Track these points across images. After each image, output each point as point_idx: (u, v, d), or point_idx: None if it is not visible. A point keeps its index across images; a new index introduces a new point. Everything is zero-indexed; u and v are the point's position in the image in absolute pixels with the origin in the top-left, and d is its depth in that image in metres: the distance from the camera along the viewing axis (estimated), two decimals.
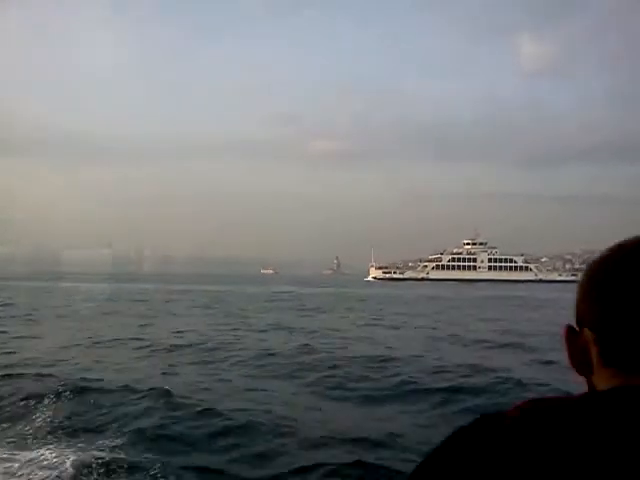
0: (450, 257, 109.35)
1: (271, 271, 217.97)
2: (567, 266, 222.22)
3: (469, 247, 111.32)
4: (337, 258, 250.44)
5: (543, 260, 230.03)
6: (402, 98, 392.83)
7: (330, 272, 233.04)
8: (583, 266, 0.88)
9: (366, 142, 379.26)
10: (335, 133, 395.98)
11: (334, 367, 12.46)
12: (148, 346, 15.11)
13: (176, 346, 15.20)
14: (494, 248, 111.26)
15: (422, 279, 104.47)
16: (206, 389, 10.16)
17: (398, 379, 11.27)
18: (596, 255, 0.84)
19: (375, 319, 26.10)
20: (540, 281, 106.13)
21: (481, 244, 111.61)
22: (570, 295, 0.82)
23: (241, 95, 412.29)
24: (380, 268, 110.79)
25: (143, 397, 9.01)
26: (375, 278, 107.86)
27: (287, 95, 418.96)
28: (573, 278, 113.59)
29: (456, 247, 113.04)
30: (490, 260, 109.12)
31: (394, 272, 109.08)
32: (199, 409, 8.45)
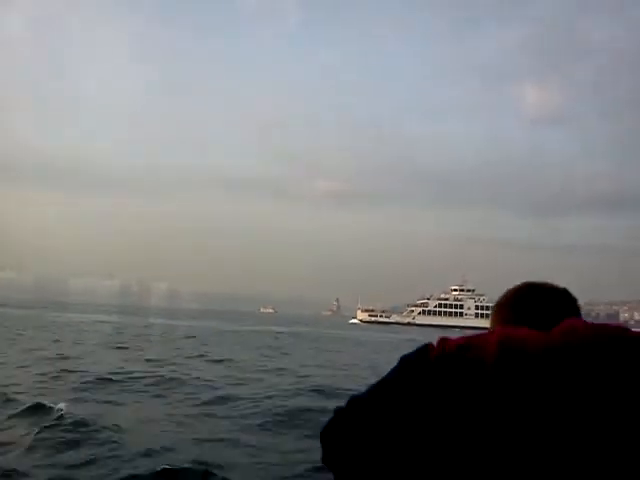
0: (437, 302, 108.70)
1: (271, 310, 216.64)
2: None
3: (456, 293, 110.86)
4: (337, 300, 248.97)
5: None
6: (404, 141, 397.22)
7: (330, 313, 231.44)
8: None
9: (367, 184, 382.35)
10: (337, 174, 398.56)
11: None
12: None
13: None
14: (482, 295, 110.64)
15: (408, 324, 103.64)
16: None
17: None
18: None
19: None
20: None
21: (468, 291, 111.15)
22: None
23: (241, 130, 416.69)
24: (366, 311, 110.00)
25: None
26: (361, 321, 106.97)
27: (288, 133, 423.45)
28: None
29: (444, 292, 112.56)
30: (477, 307, 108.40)
31: (380, 315, 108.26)
32: None
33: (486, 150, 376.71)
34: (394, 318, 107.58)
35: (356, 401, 1.05)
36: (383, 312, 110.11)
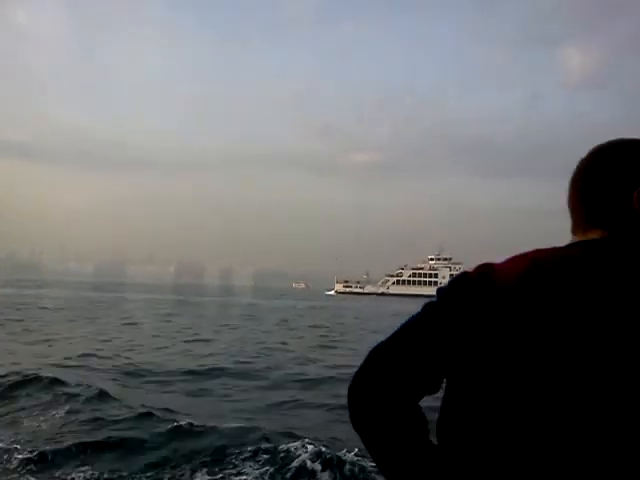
0: (411, 272, 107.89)
1: (303, 285, 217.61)
2: None
3: (433, 262, 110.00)
4: (367, 273, 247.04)
5: None
6: (441, 110, 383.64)
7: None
8: None
9: (403, 154, 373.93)
10: (373, 145, 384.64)
11: None
12: None
13: None
14: (458, 264, 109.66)
15: (382, 294, 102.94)
16: None
17: None
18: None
19: None
20: None
21: (445, 259, 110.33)
22: None
23: (280, 106, 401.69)
24: (341, 282, 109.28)
25: None
26: (336, 292, 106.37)
27: (327, 107, 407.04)
28: None
29: (421, 262, 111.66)
30: (452, 276, 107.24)
31: (354, 286, 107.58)
32: None
33: (524, 118, 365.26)
34: (368, 289, 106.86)
35: (381, 348, 1.00)
36: (357, 283, 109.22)
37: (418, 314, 1.01)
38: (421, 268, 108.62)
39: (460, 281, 1.01)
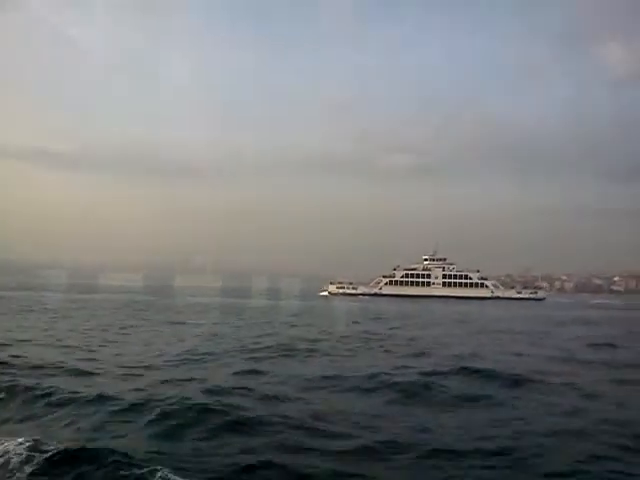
0: (404, 273, 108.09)
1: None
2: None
3: (427, 263, 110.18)
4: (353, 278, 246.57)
5: (615, 279, 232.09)
6: (481, 111, 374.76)
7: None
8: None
9: (442, 156, 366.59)
10: (411, 147, 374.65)
11: None
12: None
13: None
14: (451, 264, 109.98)
15: (374, 294, 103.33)
16: None
17: None
18: None
19: None
20: (497, 298, 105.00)
21: (439, 260, 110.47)
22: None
23: (317, 110, 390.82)
24: (335, 283, 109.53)
25: None
26: (330, 293, 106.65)
27: (366, 110, 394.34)
28: (530, 295, 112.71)
29: (415, 262, 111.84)
30: (445, 276, 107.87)
31: (347, 287, 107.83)
32: None
33: (568, 117, 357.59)
34: (361, 289, 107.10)
35: None
36: (350, 284, 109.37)
37: None
38: (414, 269, 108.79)
39: None
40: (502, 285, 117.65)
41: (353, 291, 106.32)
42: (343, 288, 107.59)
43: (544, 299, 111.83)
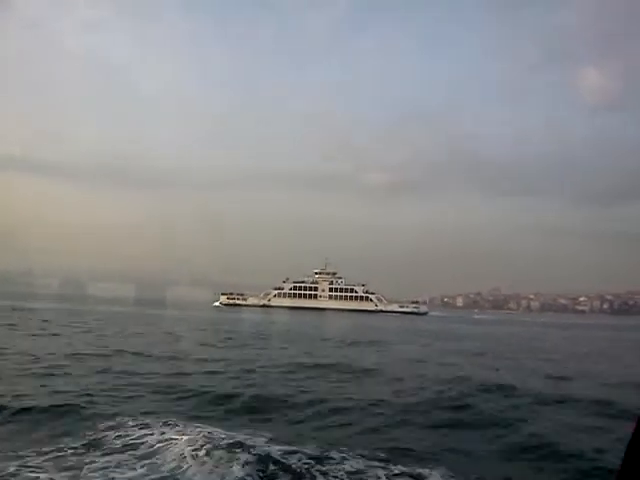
0: (292, 285, 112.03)
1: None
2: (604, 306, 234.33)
3: (317, 276, 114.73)
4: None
5: (581, 299, 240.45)
6: (457, 130, 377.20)
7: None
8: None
9: (419, 174, 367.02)
10: (389, 165, 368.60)
11: None
12: None
13: None
14: (340, 278, 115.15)
15: (263, 305, 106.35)
16: None
17: None
18: None
19: None
20: (380, 311, 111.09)
21: (328, 274, 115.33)
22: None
23: (295, 124, 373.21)
24: (226, 294, 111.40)
25: None
26: (221, 304, 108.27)
27: (343, 126, 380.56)
28: (412, 309, 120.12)
29: (306, 275, 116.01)
30: (331, 289, 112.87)
31: (237, 298, 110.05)
32: None
33: (543, 139, 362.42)
34: (251, 300, 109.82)
35: None
36: (240, 295, 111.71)
37: None
38: (303, 281, 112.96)
39: None
40: (448, 301, 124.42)
41: (243, 302, 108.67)
42: (234, 299, 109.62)
43: (426, 313, 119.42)
